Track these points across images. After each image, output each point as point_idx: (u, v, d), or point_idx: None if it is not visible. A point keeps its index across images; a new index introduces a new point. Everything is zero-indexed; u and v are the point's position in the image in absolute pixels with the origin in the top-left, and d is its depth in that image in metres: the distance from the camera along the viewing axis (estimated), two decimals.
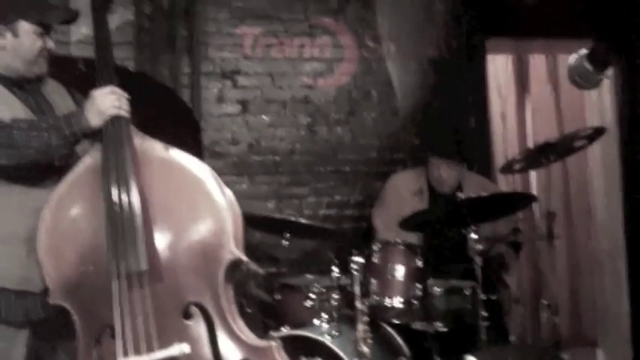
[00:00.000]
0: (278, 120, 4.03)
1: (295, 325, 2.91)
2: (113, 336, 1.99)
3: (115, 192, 2.03)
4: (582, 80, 2.53)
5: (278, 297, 3.16)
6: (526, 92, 5.01)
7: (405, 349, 3.02)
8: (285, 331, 2.85)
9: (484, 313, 2.91)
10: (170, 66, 3.82)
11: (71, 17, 2.30)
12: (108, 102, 2.11)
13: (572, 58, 2.53)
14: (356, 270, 2.73)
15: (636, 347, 4.27)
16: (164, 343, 1.98)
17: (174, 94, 3.63)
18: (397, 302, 2.95)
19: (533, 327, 4.34)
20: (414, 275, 2.98)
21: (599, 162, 4.70)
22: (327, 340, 2.75)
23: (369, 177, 4.10)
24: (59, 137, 2.07)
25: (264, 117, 4.01)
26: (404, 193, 3.67)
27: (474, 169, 4.08)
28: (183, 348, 1.97)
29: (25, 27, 2.15)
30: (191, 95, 3.83)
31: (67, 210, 2.09)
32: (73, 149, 2.17)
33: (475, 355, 2.82)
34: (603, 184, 4.70)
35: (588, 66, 2.45)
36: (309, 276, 3.37)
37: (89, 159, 2.13)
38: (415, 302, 2.96)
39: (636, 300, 4.36)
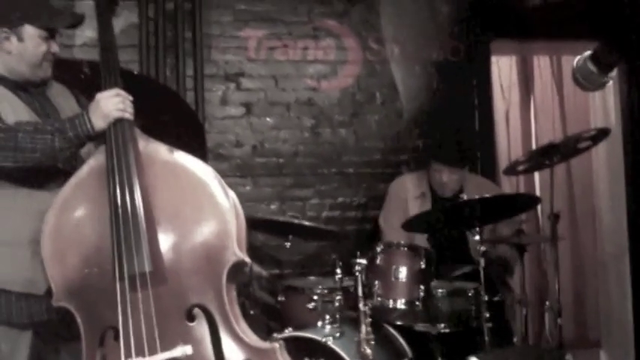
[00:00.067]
0: (282, 122, 4.03)
1: (298, 327, 2.92)
2: (117, 338, 2.00)
3: (119, 194, 2.04)
4: (586, 82, 2.53)
5: (281, 299, 3.16)
6: (530, 94, 5.01)
7: (408, 350, 3.01)
8: (288, 332, 2.86)
9: (487, 315, 2.91)
10: (174, 68, 3.84)
11: (77, 22, 2.31)
12: (112, 105, 2.12)
13: (577, 60, 2.53)
14: (359, 272, 2.73)
15: (639, 349, 4.27)
16: (167, 345, 1.98)
17: (179, 96, 3.64)
18: (400, 304, 2.95)
19: (537, 329, 4.34)
20: (417, 277, 2.98)
21: (604, 163, 4.70)
22: (330, 341, 2.75)
23: (373, 179, 4.10)
24: (64, 140, 2.08)
25: (267, 119, 4.02)
26: (407, 196, 3.68)
27: (478, 170, 4.09)
28: (186, 350, 1.98)
29: (30, 31, 2.16)
30: (195, 98, 3.84)
31: (71, 212, 2.10)
32: (77, 152, 2.18)
33: (478, 357, 2.82)
34: (607, 186, 4.69)
35: (592, 68, 2.45)
36: (312, 278, 3.39)
37: (93, 161, 2.14)
38: (418, 304, 2.95)
39: None
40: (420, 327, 3.01)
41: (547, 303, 3.33)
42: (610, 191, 4.67)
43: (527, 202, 3.39)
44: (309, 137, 4.06)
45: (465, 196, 3.13)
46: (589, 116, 4.81)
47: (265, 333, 2.99)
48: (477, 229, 2.97)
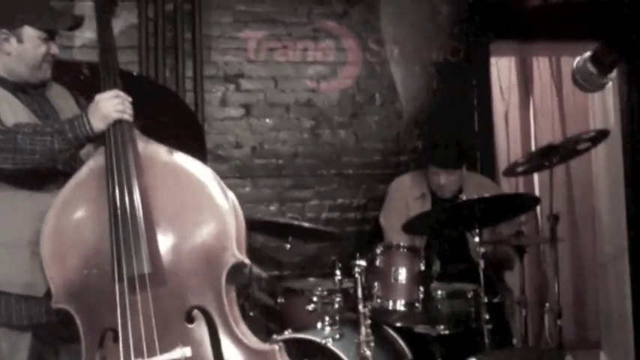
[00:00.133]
0: (281, 123, 4.03)
1: (298, 329, 2.92)
2: (116, 339, 2.00)
3: (118, 195, 2.04)
4: (586, 83, 2.53)
5: (281, 300, 3.16)
6: (530, 95, 5.01)
7: (408, 352, 3.01)
8: (287, 334, 2.86)
9: (487, 317, 2.91)
10: (173, 70, 3.83)
11: (77, 23, 2.30)
12: (111, 106, 2.11)
13: (576, 61, 2.53)
14: (359, 273, 2.73)
15: (639, 350, 4.26)
16: (166, 347, 1.98)
17: (178, 97, 3.64)
18: (400, 305, 2.95)
19: (537, 330, 4.35)
20: (417, 278, 2.98)
21: (603, 165, 4.70)
22: (329, 343, 2.75)
23: (373, 180, 4.10)
24: (63, 142, 2.07)
25: (267, 120, 4.02)
26: (408, 196, 3.67)
27: (477, 171, 4.08)
28: (185, 352, 1.98)
29: (29, 32, 2.16)
30: (194, 99, 3.84)
31: (70, 214, 2.10)
32: (77, 153, 2.18)
33: (478, 359, 2.82)
34: (607, 187, 4.69)
35: (592, 69, 2.45)
36: (312, 279, 3.39)
37: (93, 163, 2.14)
38: (418, 305, 2.95)
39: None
40: (419, 328, 3.02)
41: (547, 304, 3.34)
42: (609, 192, 4.67)
43: (526, 202, 3.38)
44: (308, 138, 4.06)
45: (464, 197, 3.12)
46: (588, 117, 4.81)
47: (265, 335, 2.99)
48: (477, 230, 2.97)
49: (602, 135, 3.34)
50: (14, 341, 2.15)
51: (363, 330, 2.68)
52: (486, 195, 3.05)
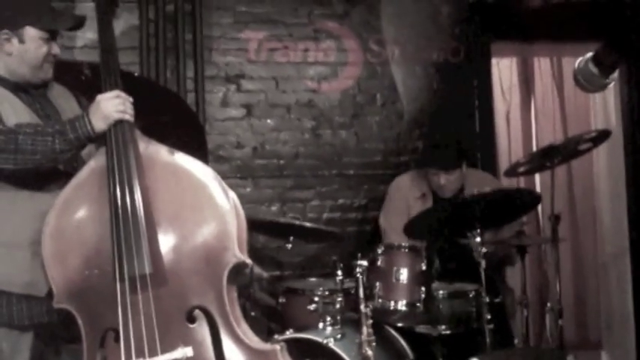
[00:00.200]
0: (282, 124, 4.03)
1: (299, 329, 2.92)
2: (117, 339, 2.01)
3: (119, 195, 2.04)
4: (588, 83, 2.53)
5: (282, 300, 3.16)
6: (531, 95, 5.01)
7: (409, 352, 3.01)
8: (289, 334, 2.86)
9: (488, 317, 2.91)
10: (174, 70, 3.84)
11: (78, 23, 2.31)
12: (112, 106, 2.12)
13: (578, 62, 2.53)
14: (360, 273, 2.73)
15: None
16: (167, 347, 1.98)
17: (179, 98, 3.64)
18: (401, 305, 2.95)
19: (538, 330, 4.34)
20: (418, 278, 2.98)
21: (604, 165, 4.70)
22: (331, 343, 2.75)
23: (374, 180, 4.10)
24: (64, 142, 2.08)
25: (268, 121, 4.02)
26: (408, 196, 3.67)
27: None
28: (187, 351, 1.98)
29: (31, 33, 2.16)
30: (196, 99, 3.84)
31: (71, 214, 2.10)
32: (78, 154, 2.18)
33: (479, 359, 2.82)
34: (608, 187, 4.69)
35: (594, 69, 2.45)
36: (313, 279, 3.39)
37: (94, 163, 2.14)
38: (419, 305, 2.95)
39: None
40: (421, 328, 3.01)
41: (548, 304, 3.33)
42: (611, 192, 4.67)
43: (527, 199, 3.34)
44: (309, 139, 4.06)
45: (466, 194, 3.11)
46: (589, 118, 4.81)
47: (266, 335, 2.99)
48: (478, 230, 2.96)
49: (603, 135, 3.34)
50: (15, 341, 2.15)
51: (364, 330, 2.67)
52: (487, 189, 3.04)
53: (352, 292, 2.87)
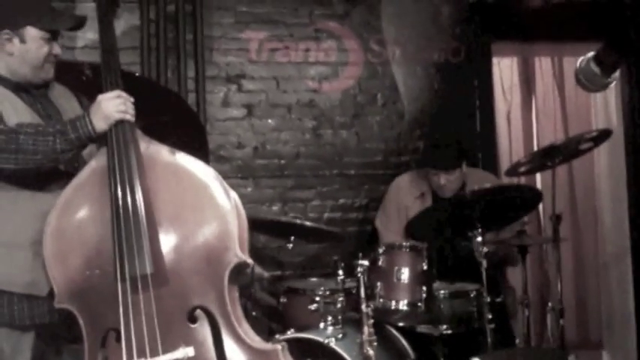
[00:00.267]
0: (283, 124, 4.03)
1: (300, 328, 2.92)
2: (118, 339, 2.01)
3: (120, 195, 2.04)
4: (589, 83, 2.52)
5: (283, 300, 3.16)
6: (532, 95, 5.01)
7: (411, 352, 3.01)
8: (290, 334, 2.86)
9: (490, 316, 2.91)
10: (175, 70, 3.84)
11: (79, 24, 2.31)
12: (113, 106, 2.12)
13: (580, 61, 2.52)
14: (361, 273, 2.73)
15: None
16: (169, 347, 1.98)
17: (180, 98, 3.64)
18: (403, 305, 2.94)
19: (539, 330, 4.34)
20: (419, 278, 2.97)
21: (605, 164, 4.69)
22: (332, 342, 2.75)
23: (374, 180, 4.10)
24: (65, 142, 2.08)
25: (269, 121, 4.02)
26: (407, 196, 3.67)
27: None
28: (188, 351, 1.98)
29: (32, 33, 2.16)
30: (197, 99, 3.84)
31: (73, 214, 2.10)
32: (79, 154, 2.18)
33: (481, 358, 2.82)
34: (609, 187, 4.69)
35: (595, 69, 2.44)
36: (314, 279, 3.38)
37: (95, 163, 2.15)
38: (420, 305, 2.95)
39: None
40: (422, 328, 3.01)
41: (549, 304, 3.33)
42: (612, 192, 4.66)
43: (528, 196, 3.32)
44: (310, 139, 4.06)
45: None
46: (590, 117, 4.81)
47: (267, 335, 2.99)
48: (479, 229, 2.96)
49: (604, 135, 3.34)
50: (16, 341, 2.15)
51: (365, 329, 2.67)
52: (487, 185, 3.03)
53: (353, 291, 2.87)
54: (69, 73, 2.45)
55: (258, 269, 3.35)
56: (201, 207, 2.09)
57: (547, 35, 4.31)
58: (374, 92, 4.17)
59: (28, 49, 2.17)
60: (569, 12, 4.11)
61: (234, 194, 2.13)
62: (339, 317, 2.90)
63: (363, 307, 2.69)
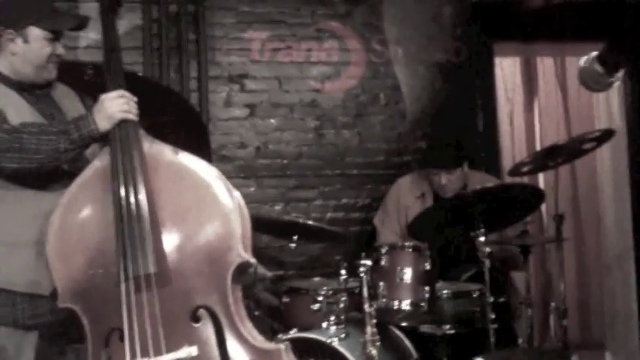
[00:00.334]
0: (285, 123, 4.04)
1: (303, 328, 2.92)
2: (122, 339, 2.00)
3: (123, 195, 2.04)
4: (593, 83, 2.51)
5: (285, 300, 3.16)
6: (534, 95, 5.00)
7: (413, 352, 3.01)
8: (292, 333, 2.86)
9: (492, 316, 2.91)
10: (178, 70, 3.84)
11: (82, 24, 2.31)
12: (116, 106, 2.12)
13: (583, 61, 2.52)
14: (364, 273, 2.73)
15: None
16: (172, 346, 1.98)
17: (182, 98, 3.65)
18: (405, 305, 2.94)
19: (542, 330, 4.34)
20: (422, 278, 2.97)
21: (608, 164, 4.69)
22: (335, 342, 2.75)
23: (376, 180, 4.10)
24: (68, 141, 2.08)
25: (271, 121, 4.02)
26: (407, 196, 3.67)
27: (481, 171, 4.07)
28: (192, 351, 1.98)
29: (35, 33, 2.16)
30: (199, 99, 3.85)
31: (76, 213, 2.10)
32: (82, 153, 2.18)
33: (484, 358, 2.82)
34: (612, 187, 4.69)
35: (599, 68, 2.44)
36: (317, 279, 3.38)
37: (98, 163, 2.14)
38: (423, 305, 2.94)
39: None
40: (425, 328, 3.01)
41: (552, 304, 3.33)
42: (614, 192, 4.66)
43: (530, 196, 3.30)
44: (312, 138, 4.07)
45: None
46: (593, 117, 4.80)
47: (270, 334, 2.98)
48: (482, 229, 2.96)
49: (607, 135, 3.34)
50: (19, 341, 2.15)
51: (368, 329, 2.67)
52: (489, 184, 3.02)
53: (356, 291, 2.87)
54: (72, 74, 2.45)
55: (261, 269, 3.34)
56: (203, 206, 2.08)
57: (549, 35, 4.31)
58: (376, 92, 4.17)
59: (31, 49, 2.17)
60: (571, 12, 4.11)
61: (237, 194, 2.13)
62: (342, 317, 2.89)
63: (366, 306, 2.69)
